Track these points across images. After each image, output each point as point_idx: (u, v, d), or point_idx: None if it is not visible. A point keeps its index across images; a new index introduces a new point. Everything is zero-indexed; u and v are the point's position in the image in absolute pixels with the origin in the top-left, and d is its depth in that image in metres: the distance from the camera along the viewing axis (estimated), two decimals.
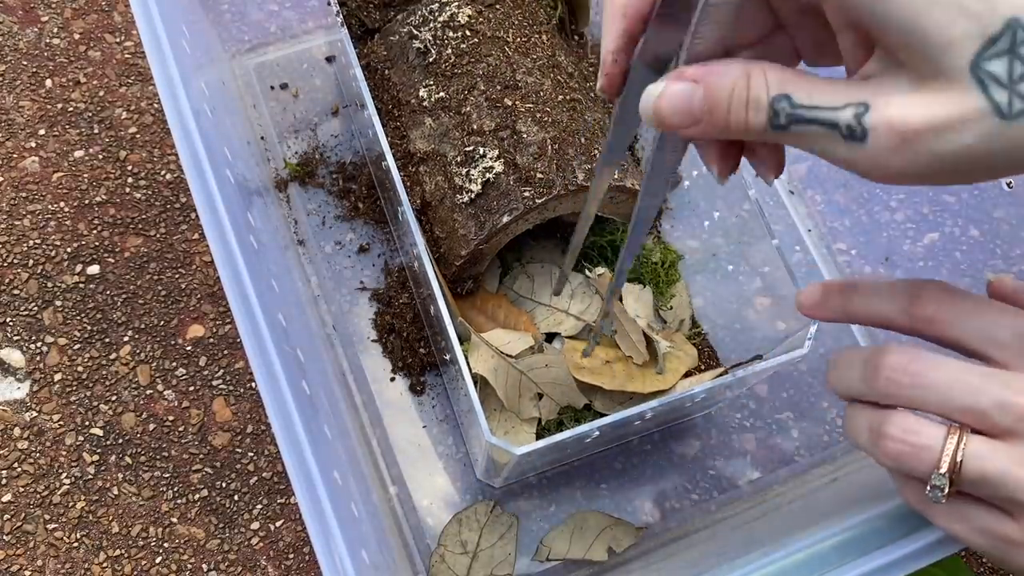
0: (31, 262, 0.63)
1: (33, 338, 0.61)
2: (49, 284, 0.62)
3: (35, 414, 0.59)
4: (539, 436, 0.54)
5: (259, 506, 0.58)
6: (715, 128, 0.29)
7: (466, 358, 0.49)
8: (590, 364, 0.55)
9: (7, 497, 0.57)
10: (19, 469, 0.58)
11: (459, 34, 0.57)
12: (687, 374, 0.57)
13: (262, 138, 0.66)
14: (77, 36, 0.69)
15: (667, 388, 0.54)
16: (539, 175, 0.53)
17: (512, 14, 0.59)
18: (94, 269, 0.63)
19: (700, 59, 0.29)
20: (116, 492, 0.58)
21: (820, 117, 0.27)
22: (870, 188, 0.67)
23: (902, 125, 0.26)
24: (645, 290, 0.60)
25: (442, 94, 0.56)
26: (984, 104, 0.25)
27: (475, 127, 0.55)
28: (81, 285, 0.62)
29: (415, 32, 0.58)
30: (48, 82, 0.68)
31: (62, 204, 0.64)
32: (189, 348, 0.61)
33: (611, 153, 0.41)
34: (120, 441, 0.59)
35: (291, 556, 0.57)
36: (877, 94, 0.26)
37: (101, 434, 0.59)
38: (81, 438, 0.59)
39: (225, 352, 0.62)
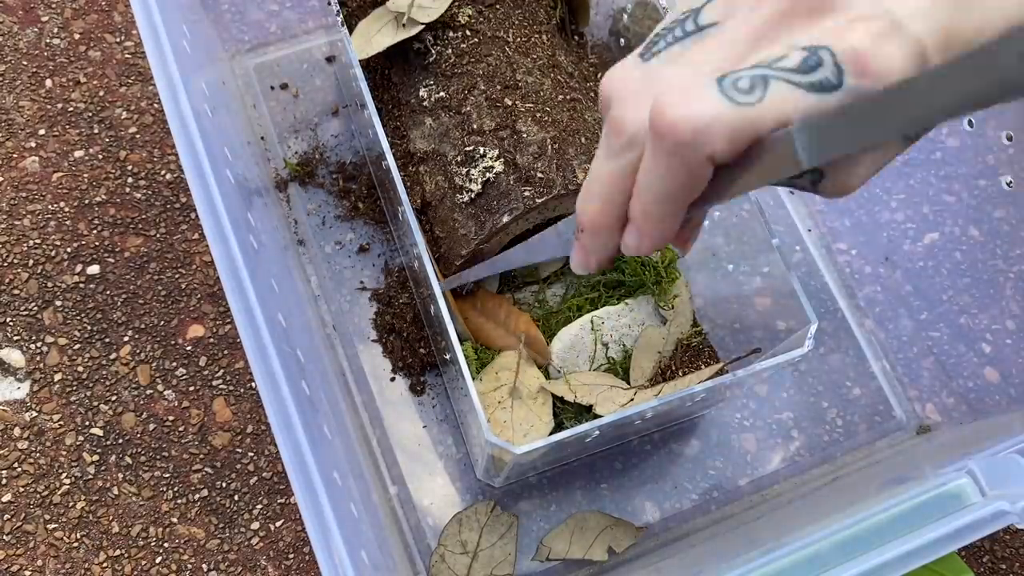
0: (31, 262, 0.63)
1: (33, 338, 0.61)
2: (49, 284, 0.62)
3: (35, 414, 0.59)
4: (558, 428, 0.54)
5: (259, 506, 0.58)
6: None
7: (466, 358, 0.49)
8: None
9: (7, 497, 0.57)
10: (19, 469, 0.58)
11: (459, 34, 0.57)
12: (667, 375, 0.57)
13: (262, 138, 0.66)
14: (77, 36, 0.69)
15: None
16: (539, 175, 0.53)
17: (512, 14, 0.59)
18: (94, 269, 0.63)
19: None
20: (116, 492, 0.58)
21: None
22: (870, 188, 0.67)
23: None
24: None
25: (442, 94, 0.56)
26: None
27: (475, 127, 0.55)
28: (81, 285, 0.62)
29: None
30: (48, 82, 0.68)
31: (62, 204, 0.64)
32: (189, 348, 0.61)
33: None
34: (120, 441, 0.59)
35: (291, 556, 0.57)
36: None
37: (101, 434, 0.59)
38: (81, 438, 0.59)
39: (225, 352, 0.62)
